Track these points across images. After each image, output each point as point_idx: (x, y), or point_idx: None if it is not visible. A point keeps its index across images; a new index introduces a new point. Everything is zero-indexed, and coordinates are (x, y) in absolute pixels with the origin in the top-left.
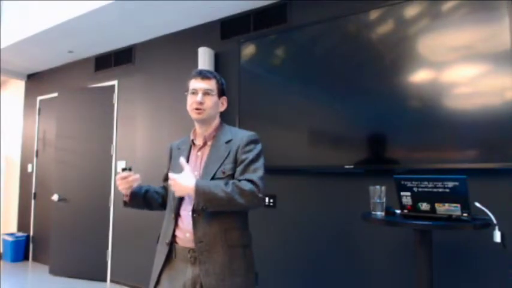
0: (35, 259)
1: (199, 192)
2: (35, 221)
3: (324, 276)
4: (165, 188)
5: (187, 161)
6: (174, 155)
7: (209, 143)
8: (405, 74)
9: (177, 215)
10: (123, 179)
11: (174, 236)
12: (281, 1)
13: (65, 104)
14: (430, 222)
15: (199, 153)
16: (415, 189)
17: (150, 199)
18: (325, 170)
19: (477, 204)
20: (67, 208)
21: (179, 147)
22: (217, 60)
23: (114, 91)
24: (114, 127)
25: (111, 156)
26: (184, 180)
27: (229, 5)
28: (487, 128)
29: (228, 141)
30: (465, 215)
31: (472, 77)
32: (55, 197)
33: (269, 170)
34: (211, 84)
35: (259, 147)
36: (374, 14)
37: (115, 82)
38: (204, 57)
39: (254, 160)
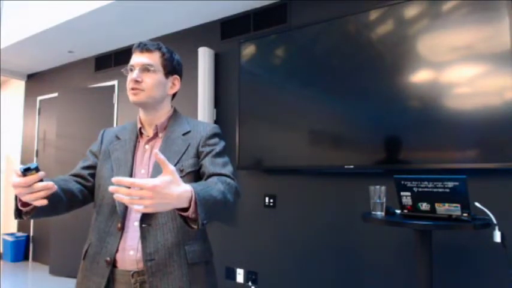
0: (35, 259)
1: (201, 201)
2: (35, 221)
3: (324, 276)
4: (84, 178)
5: (134, 155)
6: (112, 146)
7: (161, 135)
8: (405, 74)
9: (123, 225)
10: (26, 187)
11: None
12: (281, 1)
13: (65, 104)
14: (430, 222)
15: (147, 146)
16: (415, 189)
17: (66, 201)
18: (325, 170)
19: (477, 204)
20: None
21: (118, 136)
22: (217, 60)
23: (114, 91)
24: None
25: None
26: (175, 188)
27: (229, 5)
28: (487, 128)
29: (186, 133)
30: (465, 215)
31: (472, 77)
32: None
33: (269, 170)
34: (152, 58)
35: (223, 143)
36: (374, 14)
37: (115, 82)
38: (204, 57)
39: (221, 153)
